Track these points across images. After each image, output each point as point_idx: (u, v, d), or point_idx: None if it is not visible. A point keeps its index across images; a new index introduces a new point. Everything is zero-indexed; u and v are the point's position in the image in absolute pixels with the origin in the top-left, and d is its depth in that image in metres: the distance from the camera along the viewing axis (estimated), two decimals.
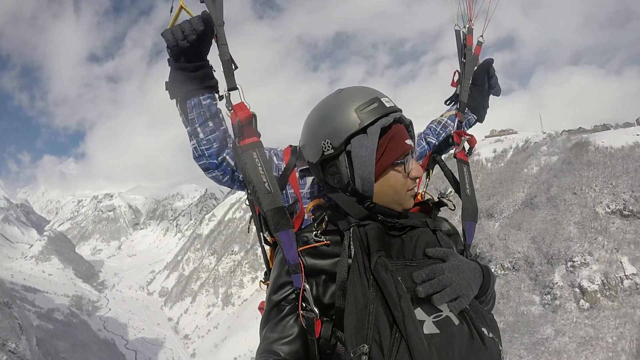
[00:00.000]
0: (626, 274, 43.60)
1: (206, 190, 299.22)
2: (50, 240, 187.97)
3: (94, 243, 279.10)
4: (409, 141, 1.42)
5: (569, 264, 46.68)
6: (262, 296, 1.70)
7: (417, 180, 1.45)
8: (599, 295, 43.91)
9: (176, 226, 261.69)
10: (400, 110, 1.46)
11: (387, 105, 1.40)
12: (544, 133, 72.48)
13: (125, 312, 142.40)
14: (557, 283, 46.15)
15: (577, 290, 44.79)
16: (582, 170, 52.94)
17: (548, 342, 41.54)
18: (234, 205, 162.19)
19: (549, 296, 46.24)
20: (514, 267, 50.97)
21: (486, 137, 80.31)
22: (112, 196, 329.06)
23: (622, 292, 43.36)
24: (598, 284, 44.22)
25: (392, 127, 1.39)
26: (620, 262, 44.54)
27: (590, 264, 45.75)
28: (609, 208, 48.95)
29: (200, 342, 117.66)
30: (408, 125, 1.47)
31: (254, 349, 1.20)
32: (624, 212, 47.96)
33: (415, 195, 1.50)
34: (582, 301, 44.09)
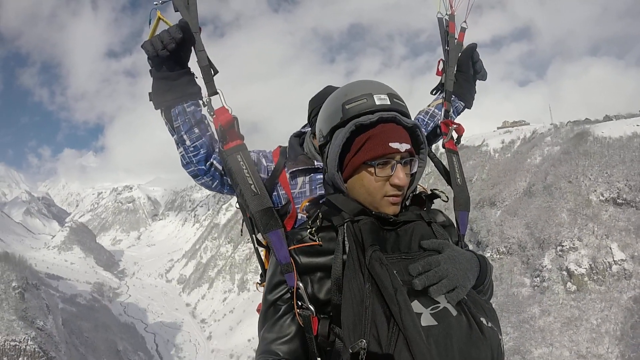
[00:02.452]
0: (615, 259, 44.37)
1: None
2: (72, 230, 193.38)
3: (113, 234, 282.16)
4: (395, 144, 1.29)
5: (559, 248, 47.54)
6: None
7: (404, 188, 1.34)
8: (586, 278, 44.80)
9: (194, 216, 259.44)
10: (400, 111, 1.36)
11: (377, 103, 1.33)
12: (551, 124, 72.06)
13: (144, 298, 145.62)
14: (546, 266, 47.19)
15: (564, 273, 45.78)
16: (579, 160, 53.60)
17: (533, 320, 42.72)
18: None
19: (538, 278, 47.21)
20: (508, 252, 51.66)
21: (498, 128, 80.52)
22: (131, 188, 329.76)
23: (610, 276, 44.07)
24: (585, 268, 45.08)
25: (376, 125, 1.30)
26: (610, 248, 45.26)
27: (578, 248, 46.58)
28: (603, 196, 49.64)
29: (216, 326, 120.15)
30: (411, 128, 1.38)
31: None
32: (617, 200, 48.67)
33: (403, 201, 1.40)
34: (569, 284, 45.04)
